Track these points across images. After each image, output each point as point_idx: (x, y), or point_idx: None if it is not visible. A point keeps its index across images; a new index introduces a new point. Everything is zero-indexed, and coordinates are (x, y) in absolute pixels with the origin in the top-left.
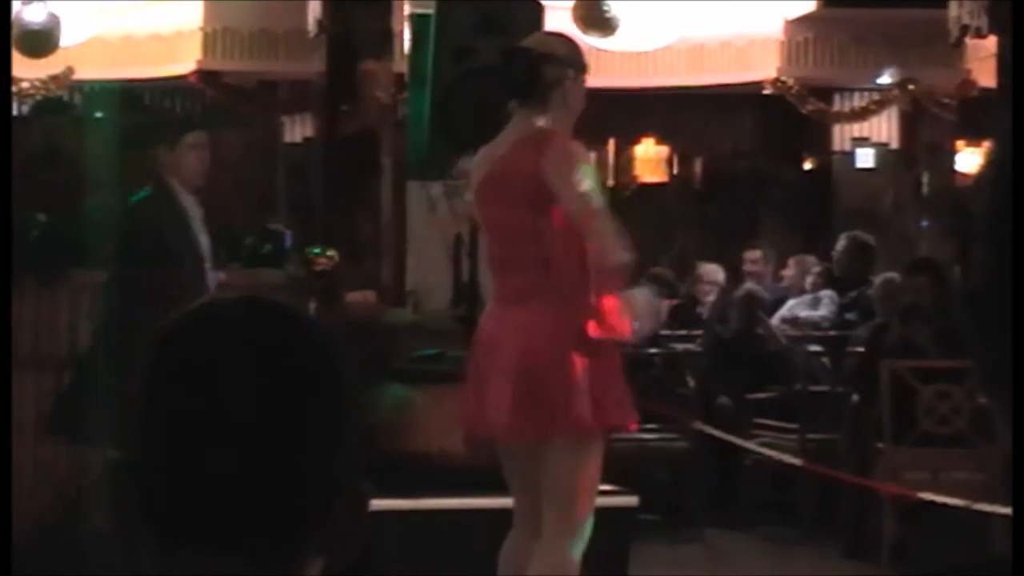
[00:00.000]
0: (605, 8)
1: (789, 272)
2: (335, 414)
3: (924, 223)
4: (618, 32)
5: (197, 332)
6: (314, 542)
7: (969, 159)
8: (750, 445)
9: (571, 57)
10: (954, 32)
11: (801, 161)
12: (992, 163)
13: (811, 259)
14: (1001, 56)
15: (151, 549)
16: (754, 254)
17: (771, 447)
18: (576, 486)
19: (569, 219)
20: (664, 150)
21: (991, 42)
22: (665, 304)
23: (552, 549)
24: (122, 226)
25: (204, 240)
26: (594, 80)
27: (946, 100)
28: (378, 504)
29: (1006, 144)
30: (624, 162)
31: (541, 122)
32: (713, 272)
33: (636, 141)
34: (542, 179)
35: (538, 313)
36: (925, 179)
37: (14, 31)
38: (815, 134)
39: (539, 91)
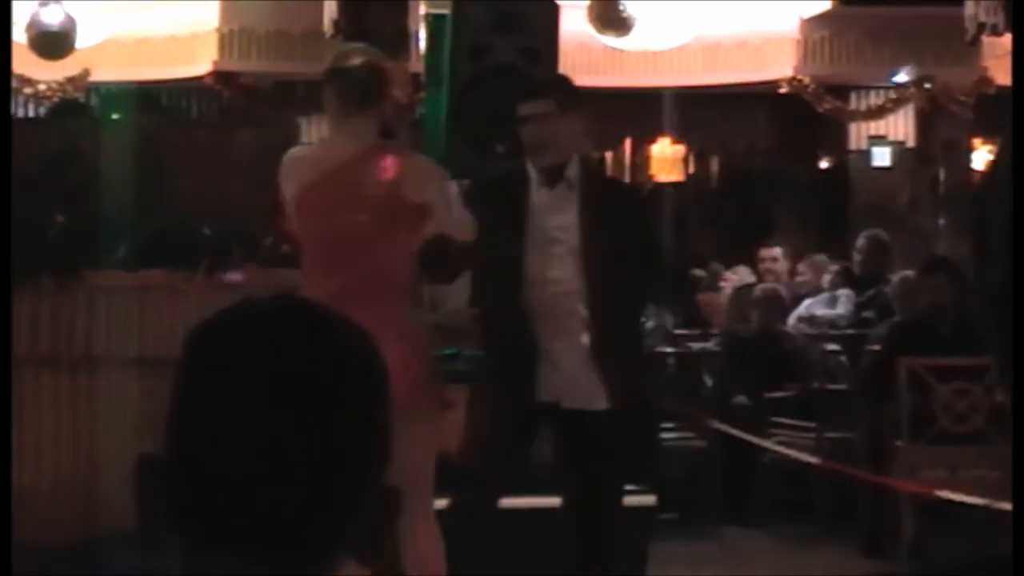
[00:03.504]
0: (621, 7)
1: (803, 275)
2: (367, 414)
3: (941, 221)
4: (634, 31)
5: (231, 333)
6: (344, 543)
7: (986, 157)
8: (767, 444)
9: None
10: (970, 30)
11: (817, 159)
12: (1008, 163)
13: (823, 258)
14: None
15: (178, 548)
16: (772, 251)
17: (788, 446)
18: None
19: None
20: (680, 149)
21: (1007, 39)
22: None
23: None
24: None
25: None
26: (610, 79)
27: (963, 98)
28: None
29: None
30: (640, 161)
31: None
32: (744, 274)
33: (652, 140)
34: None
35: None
36: (942, 177)
37: (31, 33)
38: (831, 132)
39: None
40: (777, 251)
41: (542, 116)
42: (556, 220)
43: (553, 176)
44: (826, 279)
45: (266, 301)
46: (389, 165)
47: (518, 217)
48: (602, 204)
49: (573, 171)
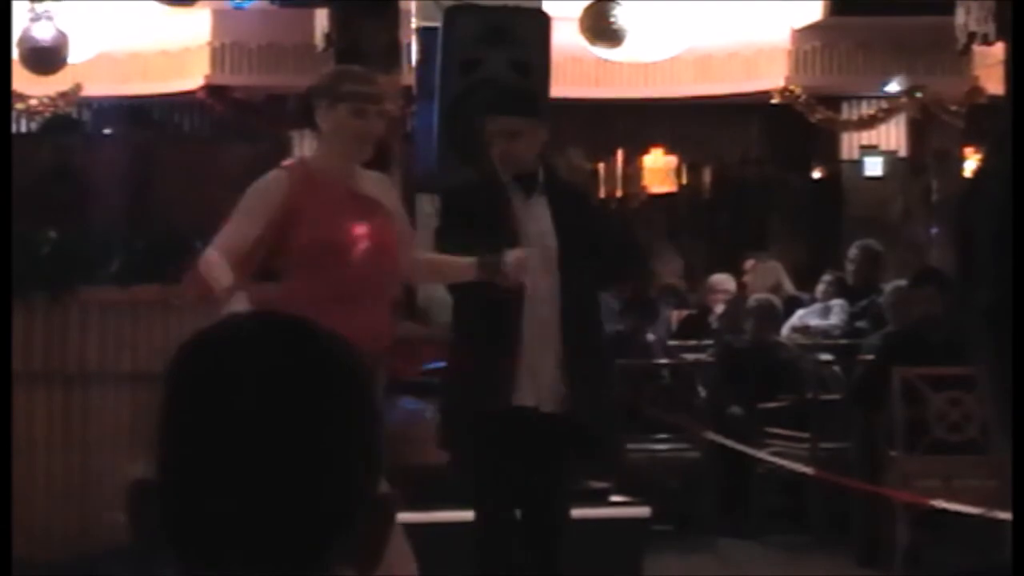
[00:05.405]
0: (612, 19)
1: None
2: (355, 424)
3: (933, 230)
4: (625, 42)
5: (216, 349)
6: (337, 551)
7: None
8: (761, 454)
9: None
10: (961, 39)
11: (809, 169)
12: (993, 173)
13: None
14: (1009, 63)
15: (172, 561)
16: (749, 263)
17: (782, 456)
18: None
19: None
20: (672, 160)
21: (999, 49)
22: (675, 314)
23: None
24: None
25: None
26: (602, 91)
27: (954, 107)
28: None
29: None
30: (633, 172)
31: None
32: (724, 281)
33: (645, 151)
34: None
35: None
36: (934, 186)
37: (22, 48)
38: (823, 142)
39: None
40: (752, 262)
41: (517, 131)
42: (535, 228)
43: (529, 185)
44: (819, 289)
45: (248, 317)
46: None
47: (500, 226)
48: (569, 207)
49: (542, 178)
